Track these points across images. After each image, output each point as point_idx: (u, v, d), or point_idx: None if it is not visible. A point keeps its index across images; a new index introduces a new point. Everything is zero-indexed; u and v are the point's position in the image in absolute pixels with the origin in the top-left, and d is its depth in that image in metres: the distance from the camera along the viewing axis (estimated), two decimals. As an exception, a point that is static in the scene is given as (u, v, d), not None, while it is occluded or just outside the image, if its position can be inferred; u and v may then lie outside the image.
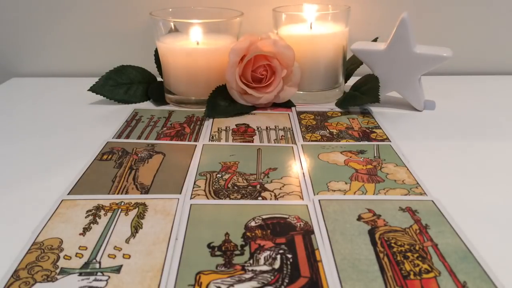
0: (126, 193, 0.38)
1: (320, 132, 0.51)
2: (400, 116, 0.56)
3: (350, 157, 0.45)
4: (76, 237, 0.32)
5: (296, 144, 0.48)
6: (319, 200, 0.37)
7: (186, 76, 0.57)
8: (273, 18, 0.59)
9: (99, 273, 0.29)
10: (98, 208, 0.36)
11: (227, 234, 0.33)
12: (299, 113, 0.56)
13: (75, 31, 0.71)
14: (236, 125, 0.53)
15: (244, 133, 0.50)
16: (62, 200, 0.37)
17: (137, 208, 0.36)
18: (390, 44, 0.54)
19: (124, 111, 0.57)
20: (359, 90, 0.58)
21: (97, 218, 0.34)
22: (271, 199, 0.37)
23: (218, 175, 0.41)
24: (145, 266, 0.29)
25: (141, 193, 0.38)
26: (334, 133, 0.50)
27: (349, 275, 0.29)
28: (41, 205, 0.36)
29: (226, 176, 0.41)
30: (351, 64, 0.63)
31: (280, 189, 0.39)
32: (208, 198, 0.37)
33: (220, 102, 0.56)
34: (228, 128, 0.52)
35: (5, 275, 0.29)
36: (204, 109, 0.55)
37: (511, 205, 0.37)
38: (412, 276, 0.29)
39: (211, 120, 0.54)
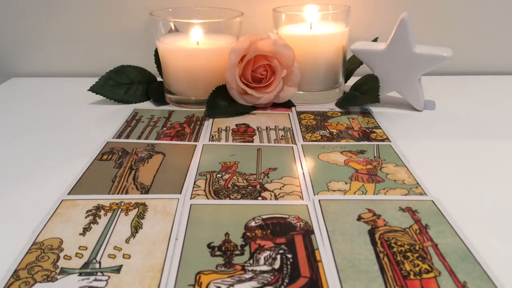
0: (126, 193, 0.38)
1: (320, 132, 0.51)
2: (400, 116, 0.56)
3: (350, 157, 0.45)
4: (76, 237, 0.32)
5: (296, 144, 0.48)
6: (319, 200, 0.37)
7: (186, 76, 0.57)
8: (273, 18, 0.59)
9: (99, 273, 0.29)
10: (98, 208, 0.36)
11: (227, 234, 0.33)
12: (299, 113, 0.56)
13: (75, 31, 0.71)
14: (236, 125, 0.53)
15: (244, 133, 0.50)
16: (62, 200, 0.37)
17: (137, 208, 0.36)
18: (390, 44, 0.54)
19: (124, 111, 0.57)
20: (359, 90, 0.58)
21: (97, 218, 0.34)
22: (271, 199, 0.37)
23: (218, 175, 0.41)
24: (145, 266, 0.29)
25: (141, 193, 0.38)
26: (334, 133, 0.50)
27: (349, 275, 0.29)
28: (41, 205, 0.36)
29: (226, 176, 0.41)
30: (351, 64, 0.63)
31: (280, 189, 0.39)
32: (208, 198, 0.37)
33: (220, 102, 0.56)
34: (228, 128, 0.52)
35: (5, 275, 0.29)
36: (204, 109, 0.55)
37: (511, 205, 0.37)
38: (412, 276, 0.29)
39: (211, 120, 0.54)
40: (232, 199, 0.37)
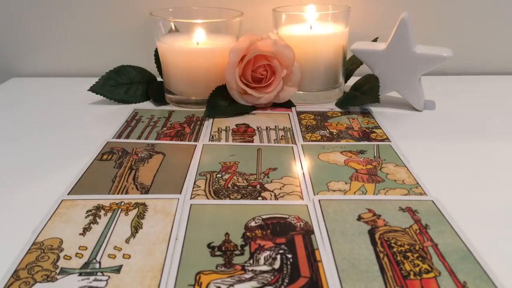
0: (126, 193, 0.38)
1: (320, 132, 0.51)
2: (400, 116, 0.56)
3: (350, 157, 0.45)
4: (76, 237, 0.32)
5: (296, 144, 0.48)
6: (319, 200, 0.37)
7: (186, 76, 0.57)
8: (273, 18, 0.59)
9: (99, 273, 0.29)
10: (98, 208, 0.36)
11: (227, 234, 0.33)
12: (299, 113, 0.56)
13: (75, 31, 0.71)
14: (236, 125, 0.53)
15: (244, 133, 0.50)
16: (62, 200, 0.37)
17: (137, 208, 0.36)
18: (390, 44, 0.54)
19: (124, 111, 0.57)
20: (359, 90, 0.58)
21: (97, 218, 0.34)
22: (271, 199, 0.37)
23: (218, 175, 0.41)
24: (145, 266, 0.29)
25: (141, 193, 0.38)
26: (334, 133, 0.50)
27: (349, 275, 0.29)
28: (41, 205, 0.36)
29: (226, 176, 0.41)
30: (351, 64, 0.63)
31: (280, 189, 0.39)
32: (208, 198, 0.37)
33: (220, 102, 0.56)
34: (228, 128, 0.52)
35: (5, 275, 0.29)
36: (204, 109, 0.55)
37: (511, 205, 0.37)
38: (412, 276, 0.29)
39: (211, 120, 0.54)
40: (232, 199, 0.37)
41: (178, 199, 0.37)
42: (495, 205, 0.37)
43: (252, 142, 0.48)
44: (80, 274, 0.29)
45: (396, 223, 0.34)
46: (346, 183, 0.40)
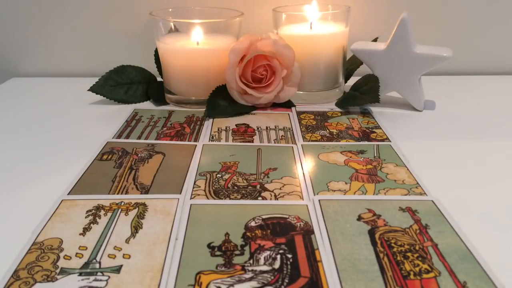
0: (126, 193, 0.38)
1: (320, 132, 0.51)
2: (400, 116, 0.56)
3: (350, 157, 0.45)
4: (76, 237, 0.32)
5: (296, 144, 0.48)
6: (319, 200, 0.37)
7: (186, 76, 0.57)
8: (273, 18, 0.59)
9: (99, 273, 0.29)
10: (98, 208, 0.36)
11: (227, 234, 0.33)
12: (299, 113, 0.56)
13: (75, 31, 0.71)
14: (236, 125, 0.53)
15: (244, 133, 0.50)
16: (62, 200, 0.37)
17: (137, 208, 0.36)
18: (390, 44, 0.54)
19: (124, 111, 0.57)
20: (359, 90, 0.58)
21: (97, 218, 0.34)
22: (271, 199, 0.37)
23: (218, 175, 0.41)
24: (145, 266, 0.29)
25: (141, 193, 0.38)
26: (334, 133, 0.50)
27: (349, 275, 0.29)
28: (41, 205, 0.36)
29: (226, 176, 0.41)
30: (351, 64, 0.63)
31: (280, 189, 0.39)
32: (208, 198, 0.37)
33: (220, 102, 0.56)
34: (228, 128, 0.52)
35: (5, 275, 0.29)
36: (204, 109, 0.55)
37: (511, 205, 0.37)
38: (412, 276, 0.29)
39: (211, 120, 0.54)
40: (232, 199, 0.37)
41: (178, 199, 0.37)
42: (495, 205, 0.37)
43: (252, 142, 0.48)
44: (80, 274, 0.29)
45: (396, 223, 0.34)
46: (346, 183, 0.40)
